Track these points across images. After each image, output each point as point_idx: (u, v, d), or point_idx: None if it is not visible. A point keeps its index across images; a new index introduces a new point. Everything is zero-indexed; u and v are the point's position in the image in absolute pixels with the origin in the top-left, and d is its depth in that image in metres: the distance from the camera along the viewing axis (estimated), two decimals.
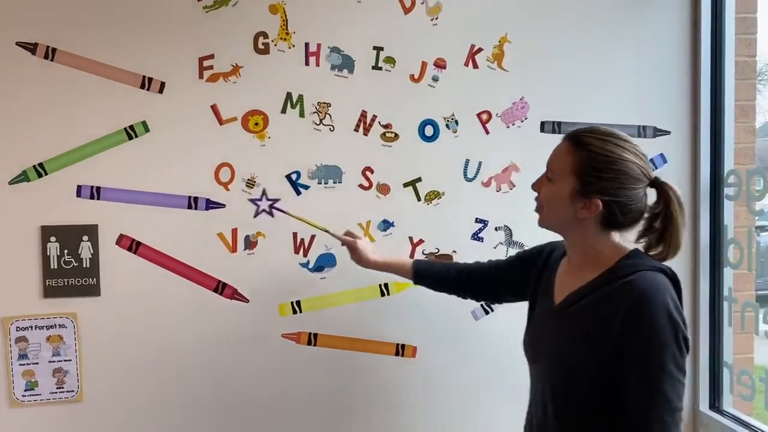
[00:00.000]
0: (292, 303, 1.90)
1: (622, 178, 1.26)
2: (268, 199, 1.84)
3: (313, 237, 1.88)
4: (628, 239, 1.33)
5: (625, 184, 1.26)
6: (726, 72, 1.99)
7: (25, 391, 1.80)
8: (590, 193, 1.27)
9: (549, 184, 1.34)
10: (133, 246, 1.81)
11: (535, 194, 1.39)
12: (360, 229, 1.90)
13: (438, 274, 1.72)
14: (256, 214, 1.85)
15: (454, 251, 1.96)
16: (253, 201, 1.84)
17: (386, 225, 1.92)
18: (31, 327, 1.78)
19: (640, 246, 1.33)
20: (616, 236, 1.32)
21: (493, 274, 1.65)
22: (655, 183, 1.30)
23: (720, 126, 2.00)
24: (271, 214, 1.85)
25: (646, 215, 1.31)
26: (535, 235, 1.94)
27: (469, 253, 1.95)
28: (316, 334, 1.91)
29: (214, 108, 1.82)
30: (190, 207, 1.83)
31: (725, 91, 1.99)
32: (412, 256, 1.94)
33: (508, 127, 1.96)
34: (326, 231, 1.81)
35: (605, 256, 1.31)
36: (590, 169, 1.27)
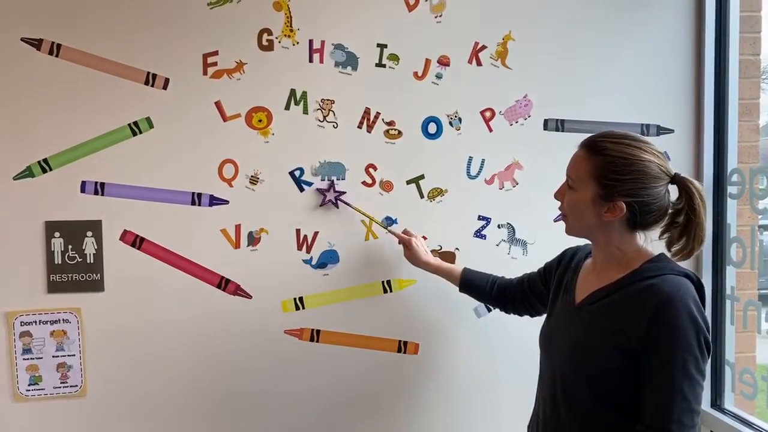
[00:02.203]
0: (294, 299, 1.91)
1: (643, 178, 1.27)
2: (336, 191, 1.86)
3: (316, 233, 1.89)
4: (653, 238, 1.35)
5: (647, 184, 1.27)
6: (730, 70, 1.98)
7: (29, 385, 1.80)
8: (612, 196, 1.28)
9: (570, 191, 1.36)
10: (137, 242, 1.82)
11: (558, 203, 1.40)
12: (363, 226, 1.91)
13: (478, 286, 1.76)
14: (323, 203, 1.86)
15: (457, 248, 1.96)
16: (320, 191, 1.86)
17: (389, 222, 1.92)
18: (35, 322, 1.79)
19: (662, 242, 1.34)
20: (641, 237, 1.34)
21: (525, 288, 1.67)
22: (676, 179, 1.31)
23: (723, 124, 2.00)
24: (336, 205, 1.87)
25: (669, 211, 1.31)
26: (536, 233, 1.97)
27: (471, 251, 1.95)
28: (318, 331, 1.92)
29: (217, 104, 1.83)
30: (193, 203, 1.83)
31: (729, 89, 1.99)
32: None
33: (511, 124, 1.96)
34: (386, 228, 1.87)
35: (630, 258, 1.32)
36: (609, 172, 1.28)
